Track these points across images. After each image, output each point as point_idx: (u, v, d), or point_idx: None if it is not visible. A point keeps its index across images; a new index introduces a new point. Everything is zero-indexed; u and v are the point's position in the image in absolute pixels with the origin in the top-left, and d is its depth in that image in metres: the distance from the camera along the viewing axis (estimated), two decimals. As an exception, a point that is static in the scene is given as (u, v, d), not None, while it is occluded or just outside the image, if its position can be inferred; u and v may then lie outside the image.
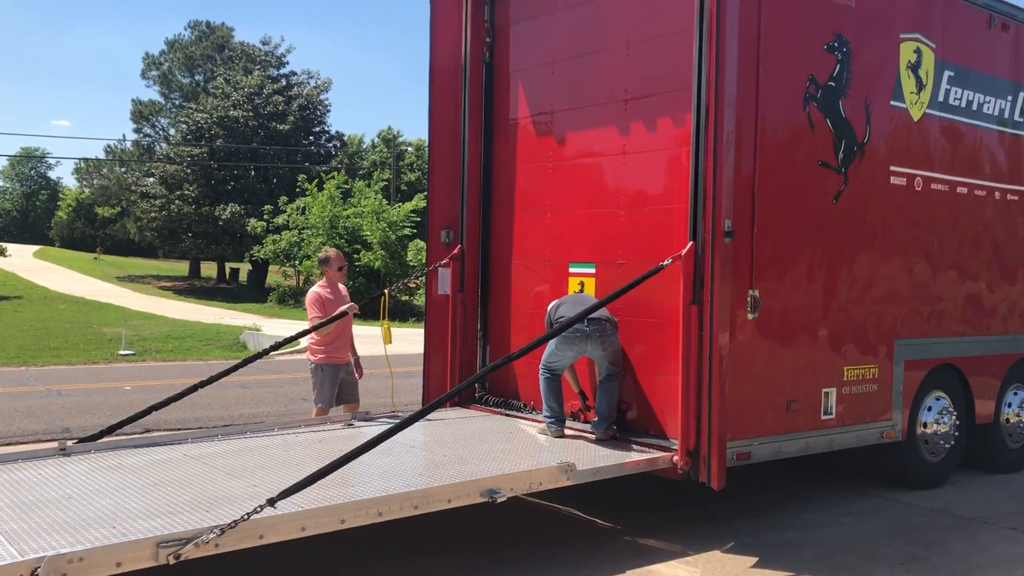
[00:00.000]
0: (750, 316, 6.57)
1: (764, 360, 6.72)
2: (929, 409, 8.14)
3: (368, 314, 27.28)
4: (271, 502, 4.61)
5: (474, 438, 6.95)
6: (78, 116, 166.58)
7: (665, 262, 6.43)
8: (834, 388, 7.22)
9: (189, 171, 45.64)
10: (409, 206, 36.19)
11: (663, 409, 6.92)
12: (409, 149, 57.35)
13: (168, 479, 5.58)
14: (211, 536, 4.37)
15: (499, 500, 5.40)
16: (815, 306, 7.09)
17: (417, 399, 8.79)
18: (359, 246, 34.23)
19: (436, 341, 8.49)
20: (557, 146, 7.89)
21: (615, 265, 7.30)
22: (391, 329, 8.20)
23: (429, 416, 7.58)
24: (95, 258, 63.16)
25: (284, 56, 50.84)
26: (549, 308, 7.25)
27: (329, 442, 6.76)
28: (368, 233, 34.55)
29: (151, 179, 48.29)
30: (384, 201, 37.58)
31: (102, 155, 63.22)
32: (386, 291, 8.21)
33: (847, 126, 7.25)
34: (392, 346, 8.48)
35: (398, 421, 5.53)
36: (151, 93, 62.74)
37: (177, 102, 53.27)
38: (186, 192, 45.42)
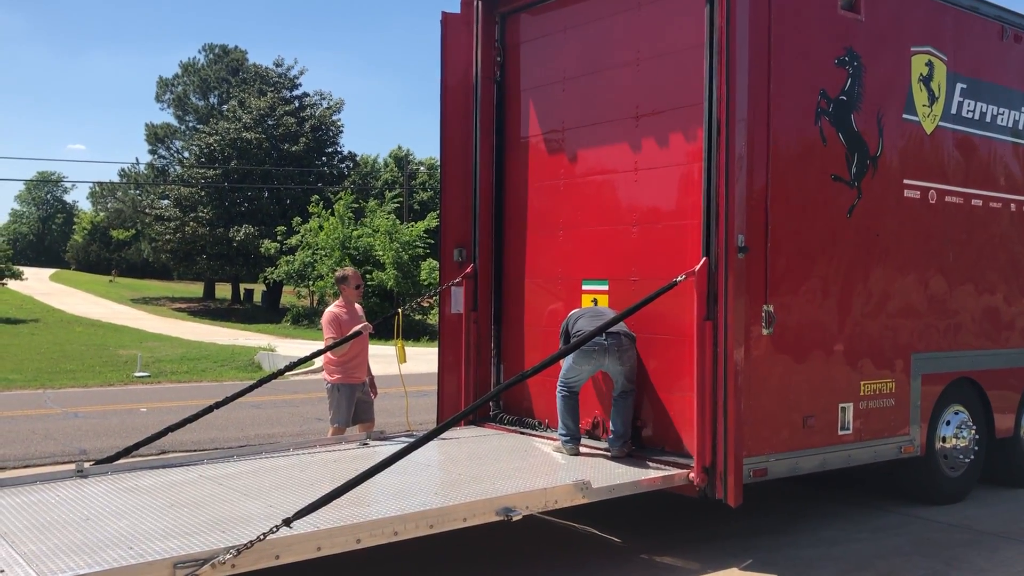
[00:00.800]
0: (765, 331, 6.55)
1: (780, 375, 6.69)
2: (948, 423, 8.08)
3: (382, 334, 27.30)
4: (287, 522, 4.61)
5: (489, 457, 6.94)
6: (93, 140, 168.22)
7: (679, 278, 6.42)
8: (851, 403, 7.18)
9: (203, 193, 45.97)
10: (422, 225, 36.31)
11: (679, 426, 6.89)
12: (421, 168, 57.56)
13: (184, 500, 5.59)
14: (227, 556, 4.37)
15: (514, 518, 5.38)
16: (830, 320, 7.06)
17: (432, 418, 8.78)
18: (371, 266, 34.31)
19: (450, 360, 8.50)
20: (569, 163, 7.91)
21: (628, 282, 7.29)
22: (405, 348, 8.20)
23: (444, 435, 7.58)
24: (110, 281, 63.58)
25: (297, 78, 51.28)
26: (566, 320, 7.25)
27: (344, 462, 6.76)
28: (381, 253, 34.66)
29: (165, 201, 48.68)
30: (397, 221, 37.72)
31: (116, 179, 63.85)
32: (400, 310, 8.22)
33: (859, 140, 7.24)
34: (406, 365, 8.49)
35: (412, 440, 5.52)
36: (165, 116, 63.40)
37: (191, 124, 53.75)
38: (200, 214, 45.73)
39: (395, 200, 41.95)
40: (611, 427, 7.07)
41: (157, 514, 5.22)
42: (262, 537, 4.48)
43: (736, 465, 6.17)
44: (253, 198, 46.49)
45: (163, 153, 54.46)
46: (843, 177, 7.14)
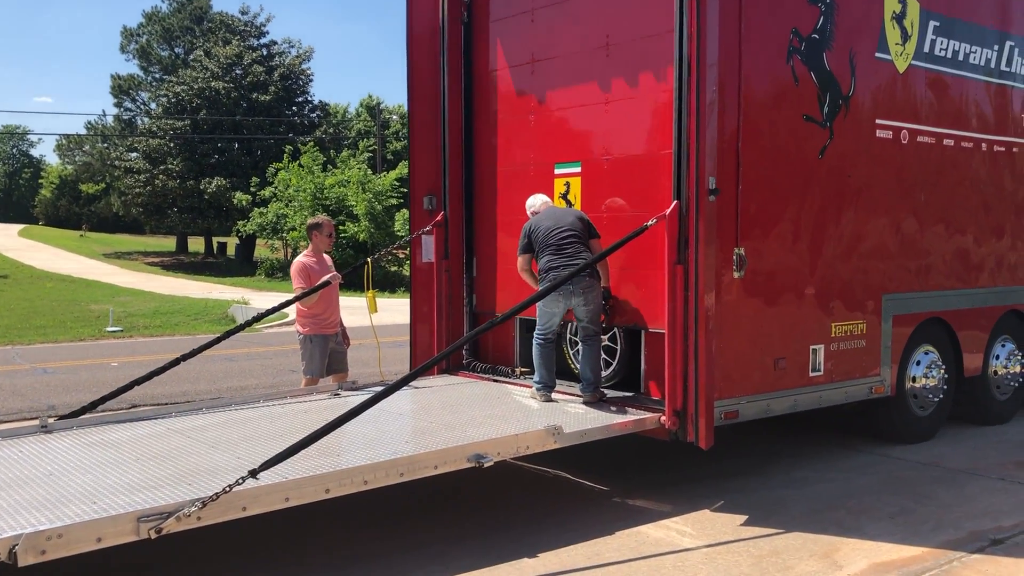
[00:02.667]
0: (736, 275, 6.51)
1: (751, 318, 6.67)
2: (918, 363, 8.13)
3: (355, 284, 27.21)
4: (253, 474, 4.55)
5: (461, 404, 6.90)
6: (60, 92, 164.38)
7: (650, 222, 6.35)
8: (822, 345, 7.19)
9: (172, 145, 45.18)
10: (394, 175, 35.91)
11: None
12: (394, 118, 56.83)
13: (151, 453, 5.52)
14: (192, 509, 4.32)
15: (486, 464, 5.36)
16: (801, 263, 7.03)
17: (405, 368, 8.75)
18: (344, 217, 33.98)
19: (422, 310, 8.42)
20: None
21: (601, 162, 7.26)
22: (376, 299, 8.10)
23: (416, 383, 7.57)
24: (81, 235, 62.69)
25: (264, 25, 50.22)
26: (526, 225, 7.12)
27: (315, 412, 6.70)
28: (354, 203, 34.32)
29: (134, 154, 47.80)
30: (369, 171, 37.30)
31: (83, 131, 62.61)
32: (369, 260, 8.10)
33: (832, 79, 7.15)
34: (379, 316, 8.40)
35: (379, 391, 5.47)
36: (131, 67, 61.98)
37: (157, 75, 52.60)
38: (170, 166, 45.01)
39: (369, 150, 41.46)
40: (579, 373, 7.05)
41: (122, 468, 5.15)
42: (228, 489, 4.42)
43: (707, 408, 6.17)
44: (223, 150, 45.77)
45: (129, 105, 53.35)
46: (815, 118, 7.06)
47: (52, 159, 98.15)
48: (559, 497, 6.62)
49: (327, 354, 8.00)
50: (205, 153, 45.47)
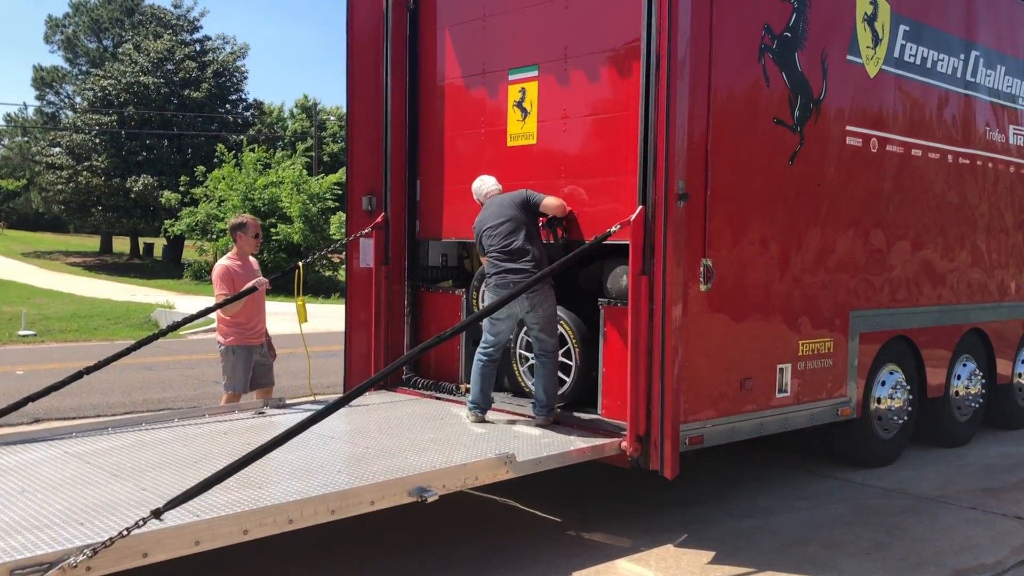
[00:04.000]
0: (703, 287, 6.00)
1: (717, 335, 6.17)
2: (883, 384, 7.74)
3: (284, 289, 26.13)
4: (156, 514, 3.86)
5: (401, 426, 6.26)
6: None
7: (612, 228, 5.81)
8: (789, 363, 6.73)
9: (97, 141, 43.36)
10: (333, 178, 34.90)
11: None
12: (331, 119, 55.67)
13: (40, 483, 4.76)
14: (81, 559, 3.61)
15: (429, 499, 4.73)
16: (770, 276, 6.56)
17: (338, 381, 8.07)
18: (276, 219, 32.86)
19: (359, 319, 7.76)
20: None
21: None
22: (306, 306, 7.39)
23: (351, 402, 6.90)
24: (-2, 233, 60.06)
25: (197, 20, 48.69)
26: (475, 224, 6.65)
27: (236, 434, 5.99)
28: (287, 205, 33.24)
29: (57, 149, 45.80)
30: (305, 171, 36.24)
31: (2, 124, 60.03)
32: (300, 264, 7.41)
33: (803, 81, 6.72)
34: (312, 324, 7.72)
35: (314, 411, 4.80)
36: (55, 59, 59.69)
37: (84, 68, 50.57)
38: (95, 163, 43.17)
39: (306, 153, 40.31)
40: (533, 393, 6.49)
41: (2, 503, 4.39)
42: (125, 533, 3.72)
43: (674, 433, 5.64)
44: (152, 147, 44.03)
45: (52, 98, 51.18)
46: (785, 121, 6.61)
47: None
48: (508, 529, 6.02)
49: (251, 367, 7.28)
50: (132, 150, 43.73)
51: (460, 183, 7.32)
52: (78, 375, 6.18)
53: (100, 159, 43.08)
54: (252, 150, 35.35)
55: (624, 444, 5.76)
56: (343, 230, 32.66)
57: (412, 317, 7.82)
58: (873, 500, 6.82)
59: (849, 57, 7.13)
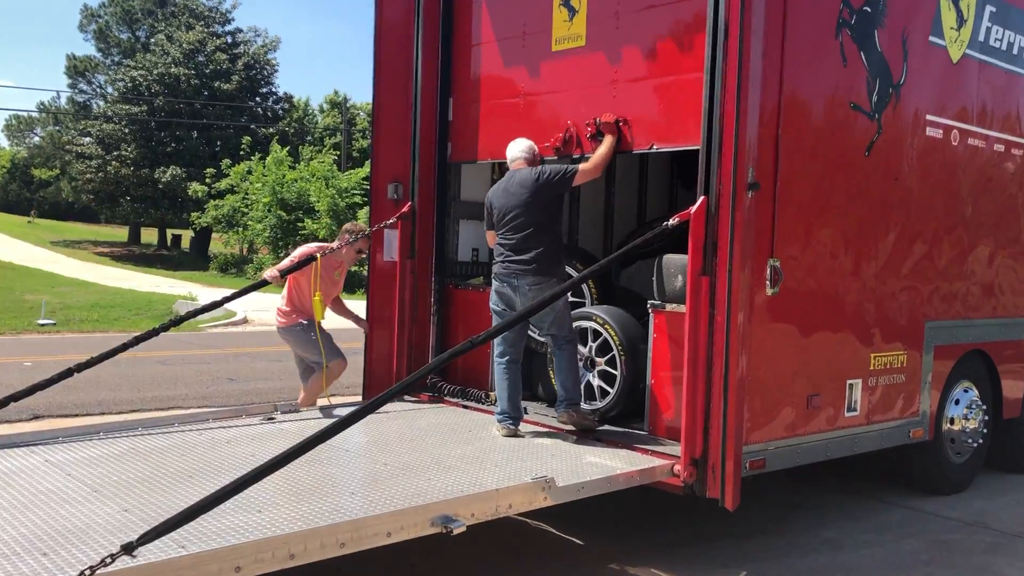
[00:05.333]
0: (769, 291, 5.29)
1: (783, 346, 5.45)
2: (957, 402, 6.98)
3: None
4: (128, 548, 3.21)
5: (424, 439, 5.60)
6: (12, 74, 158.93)
7: (669, 222, 5.10)
8: (860, 379, 6.00)
9: (127, 131, 43.20)
10: (362, 172, 34.37)
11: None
12: (361, 114, 55.19)
13: (9, 499, 4.15)
14: (32, 604, 2.98)
15: (456, 531, 4.06)
16: (841, 280, 5.84)
17: (358, 381, 7.42)
18: (303, 214, 32.36)
19: (381, 316, 7.12)
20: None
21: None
22: (323, 300, 6.74)
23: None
24: (29, 221, 60.13)
25: (229, 12, 48.44)
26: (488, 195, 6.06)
27: (240, 443, 5.36)
28: (315, 199, 32.75)
29: (87, 139, 45.69)
30: (335, 166, 35.76)
31: (35, 113, 60.10)
32: (319, 256, 6.77)
33: (883, 62, 5.98)
34: (333, 320, 7.05)
35: (327, 425, 4.14)
36: (88, 48, 59.72)
37: (116, 58, 50.41)
38: (124, 153, 43.03)
39: (335, 150, 39.80)
40: (558, 391, 5.86)
41: (-41, 524, 3.78)
42: (89, 573, 3.08)
43: (736, 458, 4.93)
44: (181, 138, 43.84)
45: (84, 88, 51.12)
46: (863, 107, 5.87)
47: (3, 141, 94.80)
48: (541, 559, 5.34)
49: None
50: (161, 141, 43.56)
51: (498, 98, 6.69)
52: (67, 373, 5.58)
53: (129, 149, 42.94)
54: (282, 143, 34.89)
55: (678, 468, 5.06)
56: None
57: (439, 316, 7.15)
58: (951, 535, 6.07)
59: (931, 38, 6.38)
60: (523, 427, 5.85)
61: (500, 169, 6.95)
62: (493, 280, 5.89)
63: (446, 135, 7.09)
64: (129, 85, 43.89)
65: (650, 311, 5.69)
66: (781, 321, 5.40)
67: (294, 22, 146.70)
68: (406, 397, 6.97)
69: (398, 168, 7.10)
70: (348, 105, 53.01)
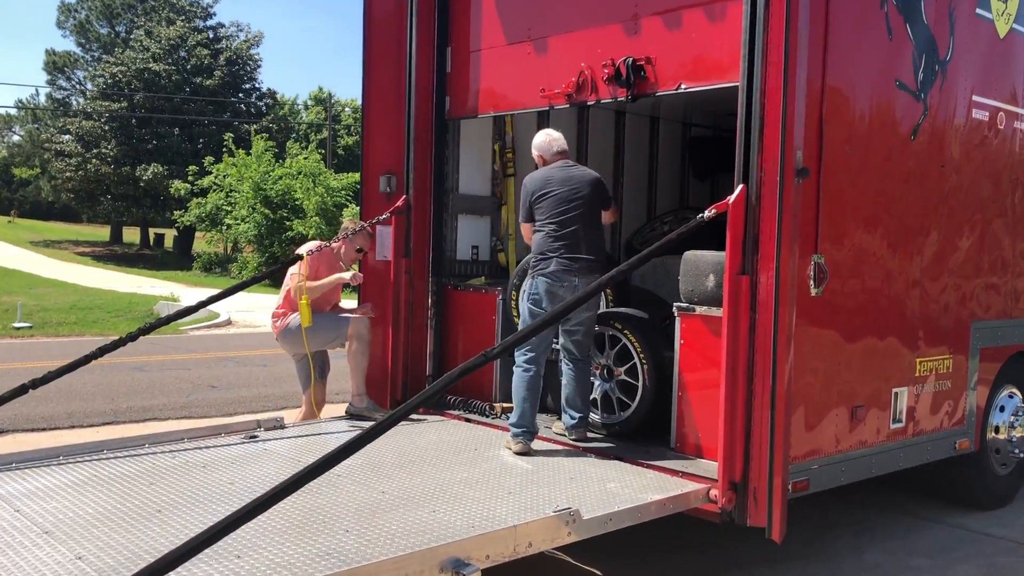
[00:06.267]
0: (813, 292, 4.70)
1: (827, 353, 4.87)
2: (1001, 409, 6.44)
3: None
4: (72, 622, 2.59)
5: (425, 460, 4.99)
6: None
7: (705, 214, 4.50)
8: (906, 387, 5.44)
9: (107, 128, 42.28)
10: (355, 176, 33.53)
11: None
12: (347, 110, 54.39)
13: (-58, 545, 3.52)
14: None
15: (469, 577, 3.46)
16: (887, 278, 5.26)
17: (347, 388, 6.81)
18: (288, 212, 31.56)
19: (373, 320, 6.48)
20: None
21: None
22: (309, 305, 6.11)
23: (365, 421, 5.66)
24: (9, 221, 59.05)
25: (211, 7, 47.51)
26: (529, 185, 5.40)
27: (218, 467, 4.73)
28: (302, 197, 31.95)
29: (66, 136, 44.74)
30: (322, 163, 34.96)
31: (14, 110, 58.92)
32: (305, 255, 6.14)
33: (929, 37, 5.40)
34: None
35: (322, 457, 3.53)
36: (67, 44, 58.66)
37: (96, 54, 49.44)
38: (104, 150, 42.06)
39: (319, 149, 38.96)
40: (569, 405, 5.28)
41: None
42: (20, 655, 2.47)
43: (784, 482, 4.34)
44: (162, 135, 42.86)
45: (63, 84, 50.10)
46: (908, 85, 5.30)
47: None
48: (559, 594, 4.75)
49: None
50: (142, 138, 42.62)
51: (502, 43, 6.08)
52: (22, 390, 4.94)
53: (110, 147, 42.03)
54: (262, 138, 34.04)
55: (714, 493, 4.47)
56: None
57: (437, 320, 6.54)
58: (1006, 557, 5.51)
59: (978, 11, 5.82)
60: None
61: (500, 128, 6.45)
62: (540, 278, 5.24)
63: (443, 96, 6.44)
64: (109, 81, 42.95)
65: (675, 314, 5.09)
66: (824, 324, 4.82)
67: (276, 17, 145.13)
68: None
69: (391, 158, 6.49)
70: (333, 101, 52.21)
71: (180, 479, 4.52)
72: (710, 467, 4.69)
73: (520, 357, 5.27)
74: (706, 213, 4.46)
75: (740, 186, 4.45)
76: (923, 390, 5.58)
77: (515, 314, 6.03)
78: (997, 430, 6.40)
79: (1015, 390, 6.57)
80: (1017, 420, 6.48)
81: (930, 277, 5.57)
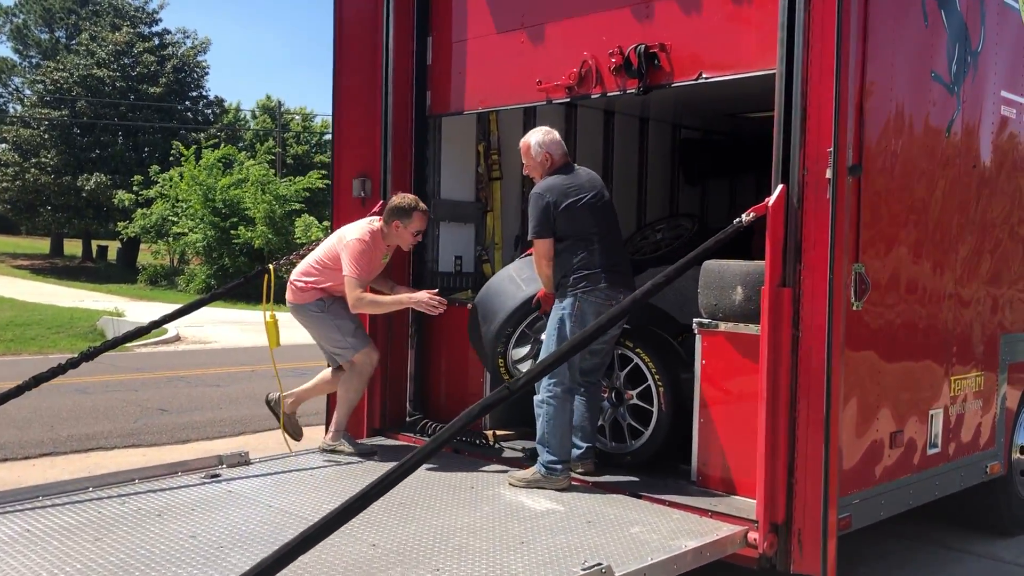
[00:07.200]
0: (855, 306, 4.19)
1: (865, 373, 4.35)
2: (1025, 427, 6.01)
3: (247, 297, 23.93)
4: None
5: (417, 502, 4.34)
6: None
7: (744, 216, 3.96)
8: (941, 408, 4.95)
9: (47, 136, 40.76)
10: (304, 182, 32.66)
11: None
12: (296, 119, 53.30)
13: None
14: None
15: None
16: (924, 290, 4.77)
17: (315, 409, 6.18)
18: (236, 219, 30.57)
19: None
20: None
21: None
22: (278, 324, 5.45)
23: (341, 457, 5.04)
24: (-58, 234, 56.86)
25: (156, 12, 46.23)
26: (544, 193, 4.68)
27: (174, 517, 4.05)
28: (251, 206, 31.00)
29: (3, 145, 43.07)
30: (272, 171, 34.02)
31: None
32: (271, 266, 5.49)
33: (962, 26, 4.95)
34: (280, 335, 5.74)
35: (310, 529, 2.91)
36: (4, 50, 56.71)
37: (35, 60, 47.78)
38: (44, 160, 40.52)
39: (269, 153, 37.97)
40: (585, 435, 4.71)
41: None
42: None
43: (835, 520, 3.80)
44: (106, 143, 41.49)
45: (0, 91, 48.36)
46: (943, 77, 4.83)
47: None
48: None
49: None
50: (85, 147, 41.19)
51: (492, 31, 5.48)
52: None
53: (50, 156, 40.52)
54: (214, 147, 33.03)
55: (753, 536, 3.92)
56: (308, 234, 30.05)
57: (419, 339, 5.92)
58: (1049, 593, 5.06)
59: (1007, 0, 5.39)
60: (513, 470, 4.68)
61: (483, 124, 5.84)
62: (588, 299, 4.57)
63: (424, 91, 5.83)
64: (50, 87, 41.45)
65: (696, 332, 4.54)
66: (864, 342, 4.30)
67: (224, 25, 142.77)
68: (378, 435, 5.75)
69: (365, 159, 5.86)
70: (282, 110, 51.14)
71: (131, 532, 3.83)
72: (743, 505, 4.15)
73: (547, 385, 4.60)
74: (744, 217, 3.92)
75: (780, 186, 3.92)
76: (956, 411, 5.11)
77: (504, 374, 5.09)
78: (1022, 450, 5.98)
79: (1037, 406, 6.15)
80: (1042, 439, 6.06)
81: (963, 286, 5.10)
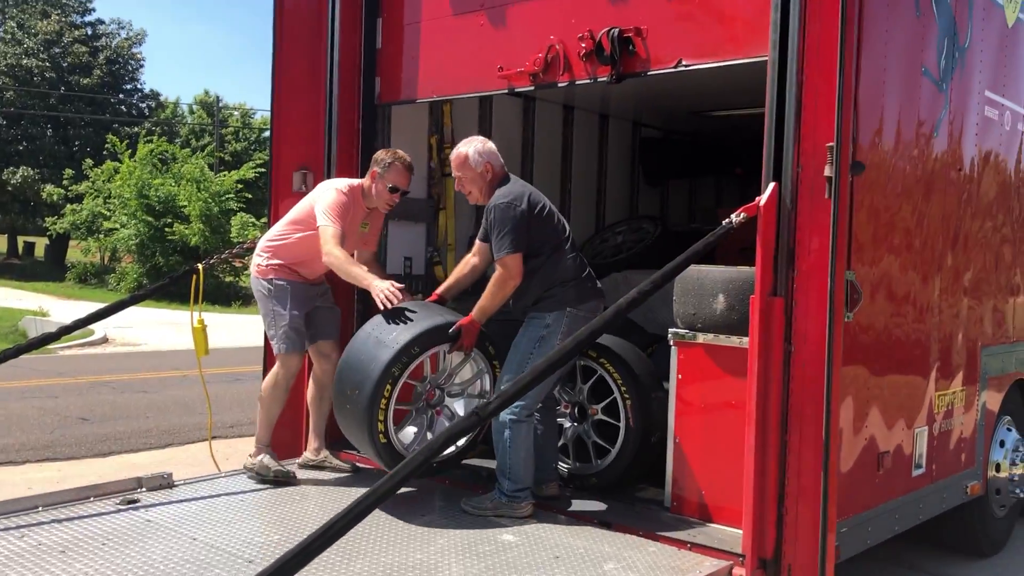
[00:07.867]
0: (846, 317, 3.83)
1: (854, 390, 4.01)
2: (1002, 444, 5.75)
3: (179, 296, 22.99)
4: None
5: (362, 535, 3.86)
6: None
7: (733, 217, 3.57)
8: (926, 426, 4.65)
9: (-30, 128, 39.14)
10: (236, 175, 31.74)
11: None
12: (235, 115, 52.01)
13: None
14: None
15: None
16: (911, 301, 4.46)
17: (244, 419, 5.65)
18: (172, 218, 29.57)
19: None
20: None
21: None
22: (206, 329, 4.92)
23: (269, 481, 4.54)
24: None
25: (89, 1, 44.66)
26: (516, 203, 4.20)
27: (83, 552, 3.51)
28: (186, 204, 30.00)
29: (-78, 136, 41.21)
30: (206, 168, 33.00)
31: None
32: (201, 266, 4.95)
33: (951, 20, 4.66)
34: (209, 338, 5.20)
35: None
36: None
37: (-41, 49, 45.87)
38: (-34, 152, 38.91)
39: (209, 156, 36.86)
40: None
41: None
42: None
43: (832, 555, 3.43)
44: (34, 136, 39.94)
45: (-80, 80, 46.30)
46: (932, 73, 4.53)
47: None
48: None
49: (309, 309, 4.81)
50: (11, 139, 39.60)
51: (447, 15, 5.00)
52: None
53: (-28, 148, 38.87)
54: (151, 141, 31.88)
55: (740, 573, 3.53)
56: (245, 232, 29.08)
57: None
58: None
59: (992, -5, 5.13)
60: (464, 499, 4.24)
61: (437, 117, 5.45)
62: (576, 314, 4.17)
63: (372, 77, 5.33)
64: (-27, 78, 39.79)
65: (671, 343, 4.15)
66: (854, 357, 3.95)
67: (161, 19, 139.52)
68: (324, 451, 5.24)
69: (307, 149, 5.37)
70: (220, 106, 49.87)
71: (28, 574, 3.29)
72: (723, 535, 3.77)
73: (522, 410, 4.15)
74: (734, 217, 3.53)
75: (771, 184, 3.54)
76: (940, 428, 4.81)
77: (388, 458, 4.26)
78: (998, 468, 5.71)
79: (1011, 422, 5.91)
80: (1017, 456, 5.81)
81: (948, 297, 4.81)
